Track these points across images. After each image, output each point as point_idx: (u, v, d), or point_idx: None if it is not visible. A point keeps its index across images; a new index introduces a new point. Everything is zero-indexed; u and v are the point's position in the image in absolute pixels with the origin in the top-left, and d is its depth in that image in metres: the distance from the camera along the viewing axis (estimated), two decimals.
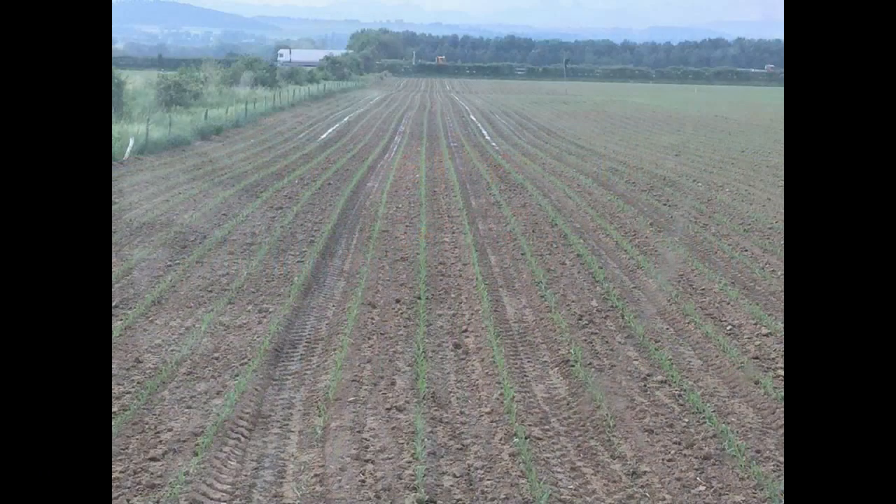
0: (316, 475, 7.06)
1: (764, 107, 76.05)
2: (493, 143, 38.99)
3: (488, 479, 7.06)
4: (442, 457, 7.44)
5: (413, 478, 6.99)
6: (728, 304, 12.76)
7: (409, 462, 7.29)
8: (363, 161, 30.13)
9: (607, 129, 49.33)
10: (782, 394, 8.95)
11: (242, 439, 7.72)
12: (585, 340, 10.85)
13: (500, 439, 7.83)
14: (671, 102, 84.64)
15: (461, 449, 7.62)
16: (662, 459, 7.58)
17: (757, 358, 10.37)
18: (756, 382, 9.44)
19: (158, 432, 7.82)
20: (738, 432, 8.17)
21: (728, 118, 60.53)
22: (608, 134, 45.66)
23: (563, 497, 6.86)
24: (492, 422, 8.23)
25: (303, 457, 7.42)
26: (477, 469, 7.24)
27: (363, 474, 7.07)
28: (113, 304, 11.67)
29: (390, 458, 7.37)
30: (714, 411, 8.65)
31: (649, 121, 56.71)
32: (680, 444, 7.90)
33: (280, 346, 10.31)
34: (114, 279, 12.87)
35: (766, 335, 11.22)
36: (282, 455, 7.46)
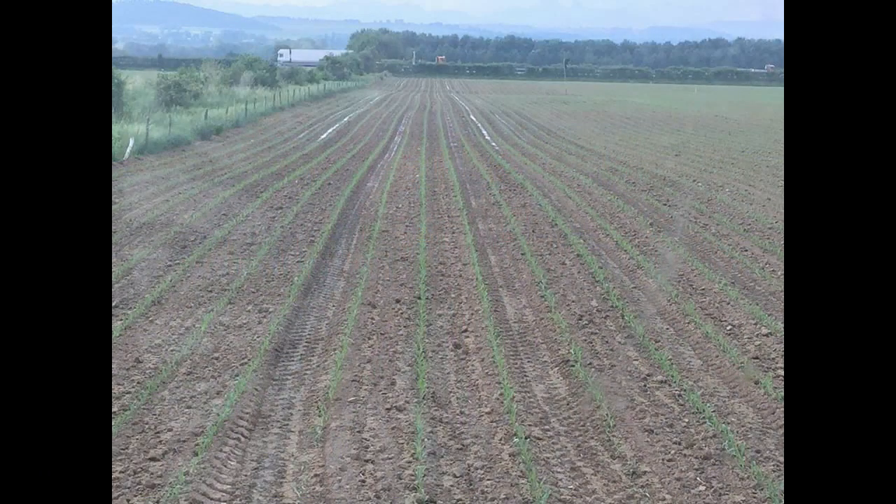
0: (316, 475, 7.06)
1: (764, 107, 76.04)
2: (493, 143, 38.99)
3: (488, 479, 7.06)
4: (442, 457, 7.44)
5: (413, 478, 6.99)
6: (728, 304, 12.76)
7: (409, 462, 7.29)
8: (363, 161, 30.13)
9: (607, 129, 49.32)
10: (782, 394, 8.95)
11: (242, 439, 7.72)
12: (585, 340, 10.85)
13: (500, 439, 7.83)
14: (671, 102, 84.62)
15: (461, 449, 7.62)
16: (662, 459, 7.58)
17: (757, 358, 10.37)
18: (756, 382, 9.44)
19: (158, 432, 7.82)
20: (738, 432, 8.17)
21: (728, 118, 60.52)
22: (608, 134, 45.66)
23: (563, 497, 6.86)
24: (492, 422, 8.23)
25: (303, 457, 7.42)
26: (477, 469, 7.24)
27: (363, 474, 7.07)
28: (113, 304, 11.67)
29: (390, 458, 7.37)
30: (714, 411, 8.65)
31: (649, 121, 56.70)
32: (680, 444, 7.90)
33: (280, 346, 10.31)
34: (114, 279, 12.87)
35: (766, 335, 11.21)
36: (282, 455, 7.46)
